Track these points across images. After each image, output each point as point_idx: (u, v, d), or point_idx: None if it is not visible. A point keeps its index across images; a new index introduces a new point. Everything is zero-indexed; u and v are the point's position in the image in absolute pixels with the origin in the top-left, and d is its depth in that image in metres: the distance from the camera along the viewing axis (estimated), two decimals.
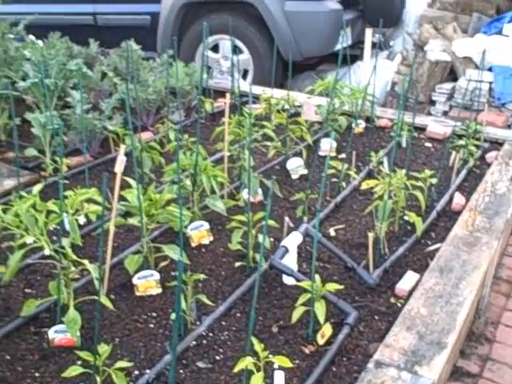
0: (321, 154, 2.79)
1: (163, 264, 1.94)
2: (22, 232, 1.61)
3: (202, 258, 2.08)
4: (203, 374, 1.56)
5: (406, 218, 2.24)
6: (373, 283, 1.93)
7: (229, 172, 2.46)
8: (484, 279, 2.01)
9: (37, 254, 1.96)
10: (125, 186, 2.01)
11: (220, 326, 1.75)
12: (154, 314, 1.80)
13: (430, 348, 1.57)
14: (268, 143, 2.64)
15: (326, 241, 2.03)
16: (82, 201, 1.78)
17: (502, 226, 2.20)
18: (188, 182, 2.15)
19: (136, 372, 1.56)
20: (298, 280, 1.80)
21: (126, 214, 2.07)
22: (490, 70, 4.14)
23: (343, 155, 2.83)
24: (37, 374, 1.56)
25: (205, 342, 1.68)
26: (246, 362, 1.34)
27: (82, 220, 1.68)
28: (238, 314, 1.81)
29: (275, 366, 1.48)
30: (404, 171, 2.19)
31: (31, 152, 2.67)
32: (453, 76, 4.40)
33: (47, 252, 1.58)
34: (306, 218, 2.27)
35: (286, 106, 2.92)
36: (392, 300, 1.89)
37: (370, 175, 2.68)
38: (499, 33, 4.53)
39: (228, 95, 2.55)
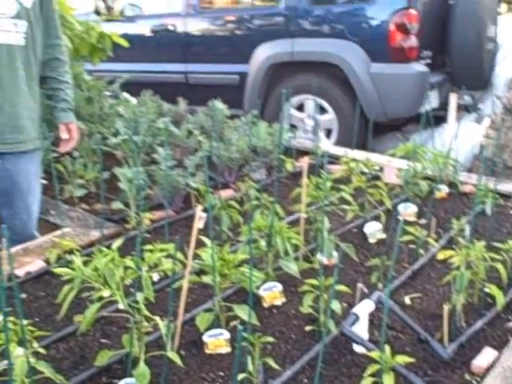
0: (400, 218, 2.76)
1: (234, 323, 1.96)
2: (100, 285, 1.68)
3: (273, 319, 2.08)
4: None
5: (486, 289, 2.16)
6: (447, 357, 1.86)
7: (305, 234, 2.47)
8: None
9: (114, 305, 2.02)
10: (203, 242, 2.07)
11: None
12: (222, 373, 1.81)
13: None
14: (345, 206, 2.64)
15: (399, 310, 1.98)
16: (159, 257, 1.84)
17: None
18: (263, 243, 2.18)
19: None
20: (367, 349, 1.77)
21: (201, 271, 2.11)
22: None
23: (423, 221, 2.78)
24: None
25: None
26: None
27: (155, 277, 1.74)
28: (305, 380, 1.79)
29: None
30: (484, 242, 2.12)
31: (117, 205, 2.79)
32: None
33: (121, 306, 1.64)
34: (380, 285, 2.24)
35: (365, 170, 2.91)
36: (467, 377, 1.81)
37: (450, 243, 2.61)
38: None
39: (307, 156, 2.58)
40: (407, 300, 2.20)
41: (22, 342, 1.44)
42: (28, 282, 2.25)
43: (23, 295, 2.15)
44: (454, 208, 3.01)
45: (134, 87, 4.52)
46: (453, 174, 3.18)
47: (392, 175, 3.11)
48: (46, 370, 1.54)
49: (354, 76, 4.73)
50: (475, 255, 2.05)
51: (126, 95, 4.20)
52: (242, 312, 1.87)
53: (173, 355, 1.65)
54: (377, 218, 2.77)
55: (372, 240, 2.65)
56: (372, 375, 1.64)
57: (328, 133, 5.03)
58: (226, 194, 3.06)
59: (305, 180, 2.39)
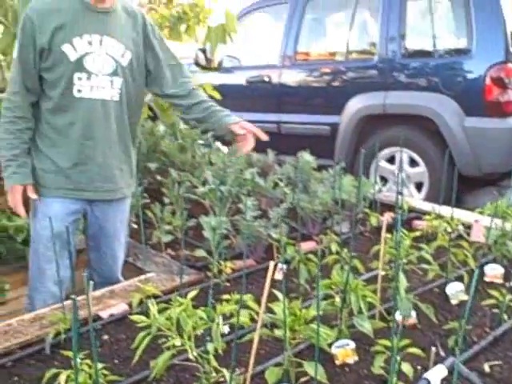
0: (485, 280, 2.67)
1: (303, 380, 1.96)
2: (173, 334, 1.74)
3: (343, 378, 2.06)
4: None
5: None
6: None
7: (383, 291, 2.44)
8: None
9: (186, 353, 2.08)
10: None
11: None
12: None
13: None
14: (425, 266, 2.59)
15: (476, 377, 1.91)
16: (230, 309, 1.88)
17: None
18: (338, 299, 2.18)
19: None
20: None
21: (274, 325, 2.14)
22: None
23: (511, 284, 2.68)
24: None
25: None
26: None
27: (226, 329, 1.78)
28: None
29: None
30: None
31: (200, 253, 2.87)
32: None
33: (191, 356, 1.69)
34: (457, 350, 2.17)
35: (449, 229, 2.85)
36: None
37: None
38: None
39: (389, 212, 2.57)
40: (486, 367, 2.11)
41: None
42: (111, 324, 2.35)
43: (105, 337, 2.25)
44: None
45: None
46: None
47: (479, 234, 3.02)
48: None
49: (447, 129, 4.66)
50: None
51: (218, 144, 4.36)
52: (312, 368, 1.87)
53: None
54: (460, 279, 2.69)
55: (454, 301, 2.58)
56: None
57: (419, 186, 4.97)
58: (307, 246, 3.08)
59: (383, 236, 2.38)
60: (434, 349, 2.04)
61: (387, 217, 2.52)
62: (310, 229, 3.34)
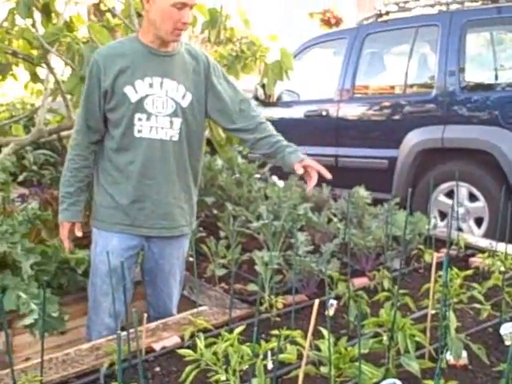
0: None
1: None
2: (219, 369, 1.79)
3: None
4: None
5: None
6: None
7: (433, 330, 2.42)
8: None
9: None
10: (332, 330, 2.11)
11: None
12: None
13: None
14: (477, 305, 2.55)
15: None
16: (275, 345, 1.92)
17: None
18: (385, 338, 2.18)
19: None
20: None
21: (320, 362, 2.16)
22: None
23: None
24: None
25: None
26: None
27: (270, 365, 1.82)
28: None
29: None
30: None
31: (252, 287, 2.93)
32: None
33: None
34: None
35: (502, 268, 2.81)
36: None
37: None
38: None
39: (441, 250, 2.56)
40: None
41: None
42: (163, 356, 2.42)
43: (157, 368, 2.32)
44: None
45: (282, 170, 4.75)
46: None
47: None
48: None
49: (507, 164, 4.59)
50: None
51: (274, 178, 4.43)
52: None
53: None
54: None
55: (508, 342, 2.52)
56: None
57: (479, 221, 4.88)
58: (360, 282, 3.09)
59: (433, 275, 2.37)
60: None
61: (437, 254, 2.51)
62: (363, 264, 3.34)
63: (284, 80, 4.06)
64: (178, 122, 2.52)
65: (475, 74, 5.30)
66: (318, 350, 2.08)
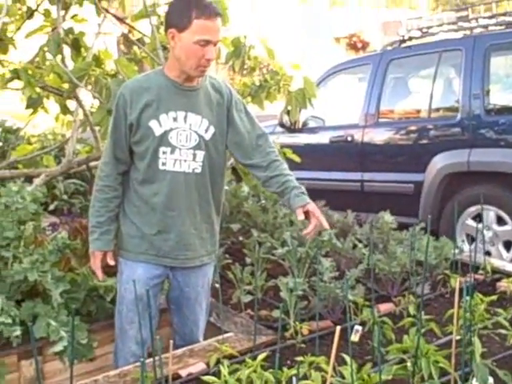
0: None
1: None
2: None
3: None
4: None
5: None
6: None
7: (458, 357, 2.41)
8: None
9: None
10: (357, 356, 2.12)
11: None
12: None
13: None
14: (503, 331, 2.54)
15: None
16: (302, 371, 1.94)
17: None
18: (409, 364, 2.18)
19: None
20: None
21: None
22: None
23: None
24: None
25: None
26: None
27: None
28: None
29: None
30: None
31: (277, 313, 2.95)
32: None
33: None
34: None
35: None
36: None
37: None
38: None
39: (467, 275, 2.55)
40: None
41: None
42: (189, 383, 2.45)
43: None
44: None
45: (311, 194, 4.78)
46: None
47: None
48: None
49: None
50: None
51: None
52: None
53: None
54: None
55: None
56: None
57: (508, 245, 4.83)
58: (385, 307, 3.09)
59: (456, 300, 2.37)
60: None
61: (463, 279, 2.50)
62: (389, 290, 3.34)
63: (308, 108, 4.12)
64: (201, 154, 2.56)
65: (500, 96, 5.29)
66: (343, 376, 2.10)
